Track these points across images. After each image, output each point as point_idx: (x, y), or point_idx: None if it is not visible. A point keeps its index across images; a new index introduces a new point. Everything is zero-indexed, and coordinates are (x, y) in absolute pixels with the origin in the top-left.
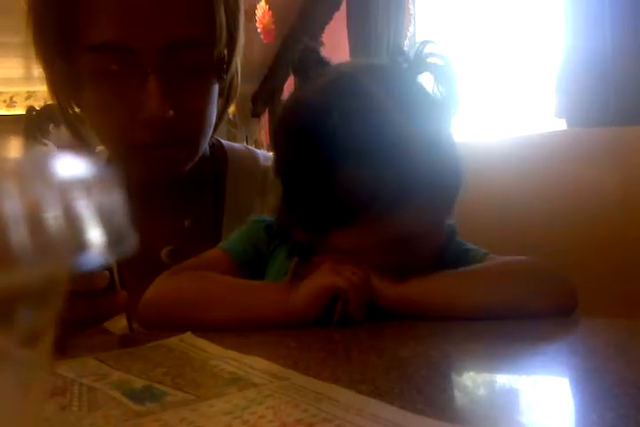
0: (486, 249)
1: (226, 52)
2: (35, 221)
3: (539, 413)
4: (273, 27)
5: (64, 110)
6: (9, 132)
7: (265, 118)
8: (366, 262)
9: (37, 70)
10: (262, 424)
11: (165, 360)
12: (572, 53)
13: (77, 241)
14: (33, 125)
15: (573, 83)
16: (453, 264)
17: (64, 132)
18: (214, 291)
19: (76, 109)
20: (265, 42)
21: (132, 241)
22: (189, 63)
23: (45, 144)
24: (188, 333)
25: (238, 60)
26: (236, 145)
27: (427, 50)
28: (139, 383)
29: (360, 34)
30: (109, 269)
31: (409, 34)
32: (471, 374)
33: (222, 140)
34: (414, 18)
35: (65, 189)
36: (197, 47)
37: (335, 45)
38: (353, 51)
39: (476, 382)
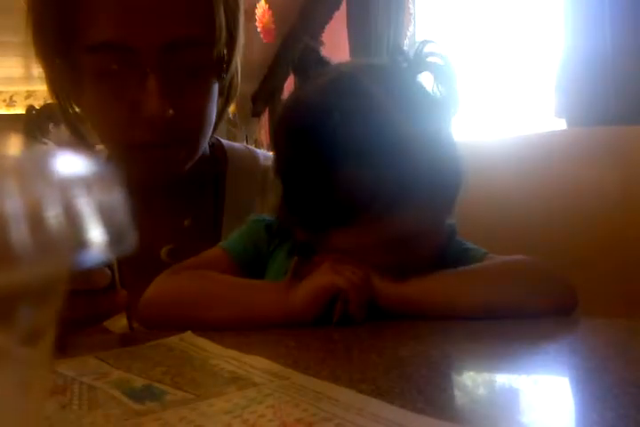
0: (486, 249)
1: (226, 51)
2: (35, 219)
3: (539, 412)
4: (273, 26)
5: (64, 110)
6: (8, 132)
7: (265, 118)
8: (366, 262)
9: (37, 70)
10: (262, 423)
11: (165, 359)
12: (572, 53)
13: (78, 239)
14: (33, 125)
15: (573, 83)
16: (453, 264)
17: (64, 131)
18: (214, 290)
19: (76, 109)
20: (265, 41)
21: (132, 239)
22: (189, 63)
23: (45, 143)
24: (188, 332)
25: (238, 60)
26: (236, 145)
27: (426, 49)
28: (139, 382)
29: (360, 33)
30: (110, 268)
31: (409, 33)
32: (471, 373)
33: (222, 140)
34: (414, 17)
35: (65, 188)
36: (197, 47)
37: (335, 45)
38: (353, 50)
39: (476, 382)
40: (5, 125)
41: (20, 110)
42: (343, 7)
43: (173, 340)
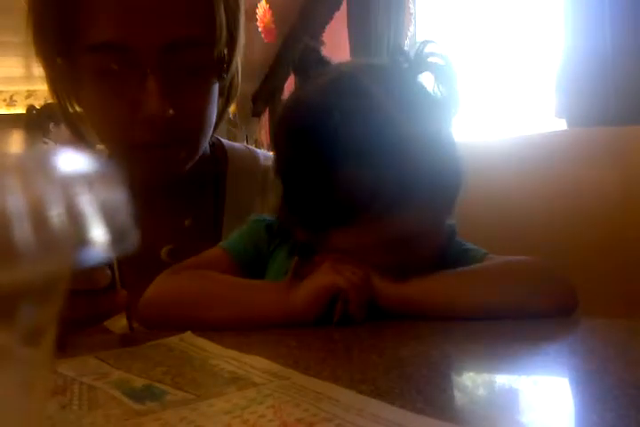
0: (486, 249)
1: (226, 51)
2: (37, 217)
3: (539, 413)
4: (273, 26)
5: (64, 109)
6: (9, 131)
7: (265, 118)
8: (366, 262)
9: (38, 69)
10: (262, 424)
11: (165, 359)
12: (572, 53)
13: (79, 238)
14: (33, 124)
15: (573, 83)
16: (453, 264)
17: (64, 130)
18: (214, 290)
19: (77, 108)
20: (266, 41)
21: (133, 239)
22: (189, 63)
23: (46, 143)
24: (188, 332)
25: (239, 60)
26: (237, 145)
27: (427, 49)
28: (139, 382)
29: (360, 33)
30: (110, 267)
31: (409, 33)
32: (471, 373)
33: (222, 140)
34: (415, 17)
35: (67, 186)
36: (197, 47)
37: (336, 45)
38: (353, 50)
39: (476, 382)
40: (6, 125)
41: (21, 110)
42: (343, 7)
43: (173, 340)
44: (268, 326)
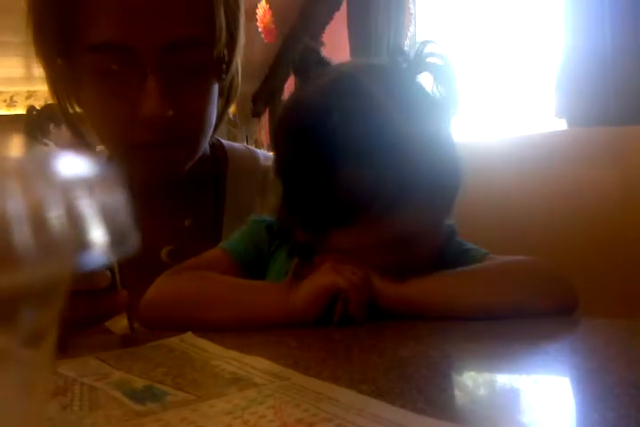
0: (486, 249)
1: (226, 52)
2: (37, 220)
3: (539, 412)
4: (273, 26)
5: (64, 110)
6: (9, 132)
7: (265, 118)
8: (366, 262)
9: (38, 70)
10: (263, 424)
11: (166, 360)
12: (572, 53)
13: (80, 240)
14: (33, 125)
15: (573, 83)
16: (453, 264)
17: (65, 131)
18: (215, 291)
19: (77, 109)
20: (266, 41)
21: (133, 240)
22: (189, 63)
23: (46, 144)
24: (189, 333)
25: (239, 60)
26: (237, 145)
27: (426, 50)
28: (140, 383)
29: (360, 34)
30: (111, 268)
31: (409, 34)
32: (471, 373)
33: (222, 140)
34: (414, 18)
35: (67, 189)
36: (197, 47)
37: (335, 45)
38: (353, 51)
39: (477, 382)
40: (6, 126)
41: (21, 111)
42: (343, 7)
43: (174, 341)
44: (268, 326)
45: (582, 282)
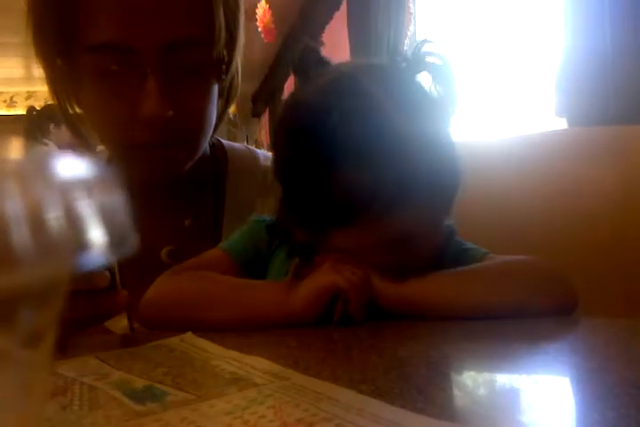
0: (486, 249)
1: (226, 52)
2: (36, 221)
3: (539, 412)
4: (273, 26)
5: (64, 110)
6: (9, 133)
7: (265, 118)
8: (366, 262)
9: (38, 70)
10: (263, 424)
11: (166, 360)
12: (571, 53)
13: (79, 241)
14: (33, 125)
15: (573, 82)
16: (453, 264)
17: (65, 131)
18: (215, 291)
19: (77, 109)
20: (265, 41)
21: (133, 241)
22: (189, 63)
23: (46, 144)
24: (189, 333)
25: (239, 61)
26: (237, 145)
27: (425, 49)
28: (139, 383)
29: (360, 33)
30: (110, 268)
31: (409, 33)
32: (471, 373)
33: (222, 140)
34: (414, 17)
35: (66, 190)
36: (197, 47)
37: (335, 45)
38: (353, 50)
39: (477, 382)
40: (6, 126)
41: (21, 111)
42: (343, 7)
43: (174, 341)
44: (268, 326)
45: (582, 282)
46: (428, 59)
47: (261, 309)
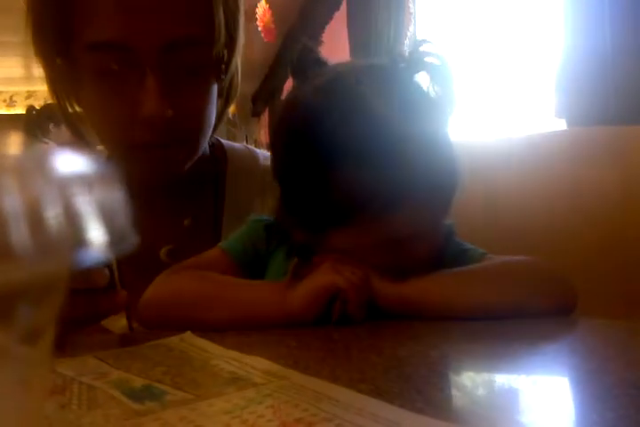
0: (485, 249)
1: (225, 51)
2: (35, 218)
3: (538, 413)
4: (273, 26)
5: (64, 109)
6: (9, 132)
7: (265, 118)
8: (365, 262)
9: (37, 69)
10: (261, 424)
11: (165, 359)
12: (571, 53)
13: (78, 239)
14: (33, 125)
15: (573, 82)
16: (451, 264)
17: (64, 131)
18: (214, 290)
19: (76, 109)
20: (265, 41)
21: (132, 239)
22: (189, 63)
23: (46, 143)
24: (188, 332)
25: (238, 60)
26: (236, 145)
27: (423, 49)
28: (138, 382)
29: (360, 33)
30: (109, 267)
31: (409, 33)
32: (470, 373)
33: (222, 140)
34: (414, 17)
35: (65, 187)
36: (197, 47)
37: (335, 45)
38: (353, 50)
39: (476, 382)
40: (6, 125)
41: (21, 110)
42: (343, 7)
43: (173, 340)
44: (267, 326)
45: (582, 282)
46: (426, 59)
47: (260, 308)
